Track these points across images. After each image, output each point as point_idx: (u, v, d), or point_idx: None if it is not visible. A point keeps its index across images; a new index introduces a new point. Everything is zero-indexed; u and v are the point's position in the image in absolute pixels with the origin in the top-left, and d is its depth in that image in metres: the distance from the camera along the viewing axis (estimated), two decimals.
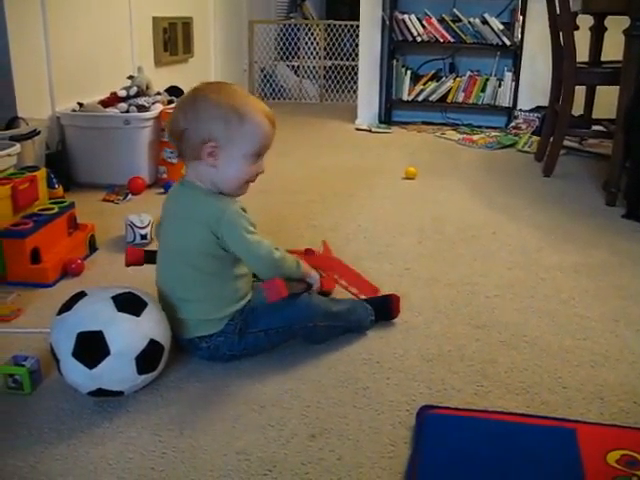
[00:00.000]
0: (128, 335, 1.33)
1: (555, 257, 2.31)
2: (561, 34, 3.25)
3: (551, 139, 3.74)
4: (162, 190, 2.98)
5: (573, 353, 1.64)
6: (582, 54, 3.56)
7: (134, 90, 3.14)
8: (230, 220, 1.45)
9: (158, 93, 3.25)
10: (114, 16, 3.56)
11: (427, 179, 3.33)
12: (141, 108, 3.03)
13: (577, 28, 3.30)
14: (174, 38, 4.24)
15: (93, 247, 2.26)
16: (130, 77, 3.24)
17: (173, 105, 3.22)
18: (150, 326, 1.37)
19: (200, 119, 1.43)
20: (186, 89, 1.52)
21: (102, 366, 1.30)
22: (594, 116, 3.96)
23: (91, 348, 1.30)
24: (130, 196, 2.89)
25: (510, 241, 2.45)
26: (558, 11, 3.25)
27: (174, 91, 3.43)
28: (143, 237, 2.28)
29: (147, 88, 3.23)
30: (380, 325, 1.75)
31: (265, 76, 6.14)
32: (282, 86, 6.14)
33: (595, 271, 2.19)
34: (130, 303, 1.38)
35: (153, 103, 3.10)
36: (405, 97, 4.82)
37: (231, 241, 1.45)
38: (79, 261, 2.07)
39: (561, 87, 3.64)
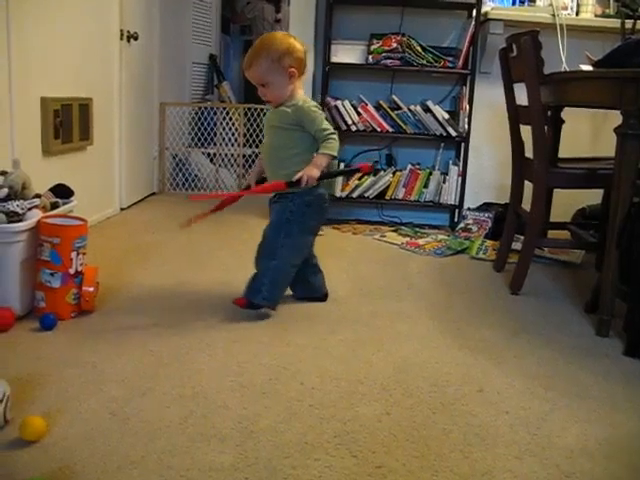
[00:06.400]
0: None
1: (572, 430, 1.70)
2: (531, 128, 2.74)
3: (512, 245, 3.27)
4: (38, 325, 2.25)
5: None
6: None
7: (4, 192, 2.41)
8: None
9: (37, 195, 2.54)
10: None
11: (377, 302, 2.70)
12: (12, 216, 2.32)
13: (548, 122, 2.81)
14: (68, 122, 3.54)
15: None
16: (2, 173, 2.53)
17: (57, 211, 2.54)
18: None
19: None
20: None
21: None
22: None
23: None
24: None
25: (505, 405, 1.83)
26: (526, 102, 2.76)
27: (61, 191, 2.73)
28: None
29: (23, 188, 2.52)
30: None
31: (177, 164, 5.49)
32: (196, 175, 5.49)
33: (636, 456, 1.60)
34: None
35: (29, 209, 2.40)
36: (338, 193, 4.19)
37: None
38: None
39: (522, 187, 3.18)
